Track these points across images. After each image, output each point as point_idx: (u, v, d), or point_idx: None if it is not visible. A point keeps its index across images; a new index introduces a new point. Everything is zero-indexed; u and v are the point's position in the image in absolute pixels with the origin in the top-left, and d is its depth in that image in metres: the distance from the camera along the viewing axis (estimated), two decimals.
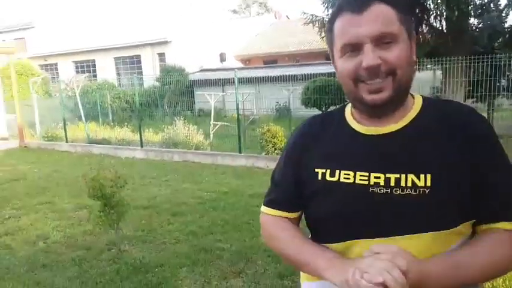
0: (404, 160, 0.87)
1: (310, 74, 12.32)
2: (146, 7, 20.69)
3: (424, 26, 7.80)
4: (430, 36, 7.87)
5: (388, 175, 0.87)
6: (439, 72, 9.04)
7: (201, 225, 4.38)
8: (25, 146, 10.92)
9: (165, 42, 19.40)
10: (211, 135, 9.04)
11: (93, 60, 21.67)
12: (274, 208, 1.04)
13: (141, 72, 19.65)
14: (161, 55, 19.91)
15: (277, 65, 18.15)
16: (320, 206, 0.95)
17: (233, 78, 8.25)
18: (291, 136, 1.08)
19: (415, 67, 0.94)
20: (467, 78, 7.44)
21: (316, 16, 8.53)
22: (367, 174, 0.89)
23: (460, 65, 7.16)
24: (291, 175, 1.01)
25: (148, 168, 7.70)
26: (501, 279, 2.71)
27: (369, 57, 0.84)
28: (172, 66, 16.75)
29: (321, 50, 17.47)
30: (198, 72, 17.68)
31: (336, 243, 0.92)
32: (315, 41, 17.71)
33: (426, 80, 9.35)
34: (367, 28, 0.84)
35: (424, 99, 0.96)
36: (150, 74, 18.41)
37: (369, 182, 0.88)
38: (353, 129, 0.96)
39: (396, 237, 0.84)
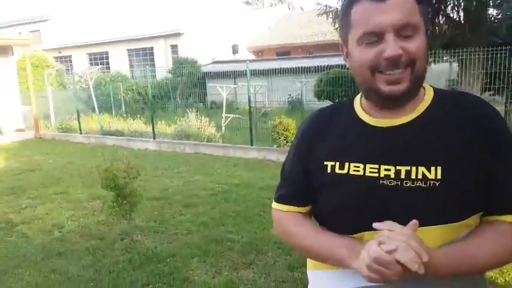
0: (415, 152, 0.86)
1: (324, 66, 12.20)
2: None
3: (440, 17, 7.62)
4: (446, 27, 7.69)
5: (398, 167, 0.86)
6: (455, 65, 8.85)
7: (213, 216, 4.40)
8: (40, 137, 11.10)
9: (178, 34, 19.42)
10: (223, 128, 9.05)
11: (107, 52, 21.84)
12: (285, 204, 1.02)
13: (154, 64, 19.74)
14: (174, 47, 19.96)
15: (290, 57, 18.01)
16: (329, 199, 0.94)
17: (245, 70, 8.23)
18: (299, 128, 1.07)
19: (429, 59, 0.92)
20: (485, 70, 7.26)
21: (330, 7, 8.41)
22: (377, 166, 0.88)
23: (477, 56, 7.00)
24: (300, 168, 1.00)
25: (160, 159, 7.77)
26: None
27: (392, 47, 0.82)
28: (184, 58, 16.78)
29: (334, 41, 17.25)
30: (210, 64, 17.68)
31: None
32: (329, 32, 17.50)
33: (442, 72, 9.18)
34: (390, 17, 0.82)
35: (436, 90, 0.94)
36: (163, 66, 18.48)
37: (379, 175, 0.87)
38: (363, 121, 0.94)
39: None
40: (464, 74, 7.36)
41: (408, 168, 0.85)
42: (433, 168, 0.84)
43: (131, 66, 21.18)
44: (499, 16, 7.33)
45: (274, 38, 21.45)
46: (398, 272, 0.75)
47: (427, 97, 0.92)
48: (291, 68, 14.03)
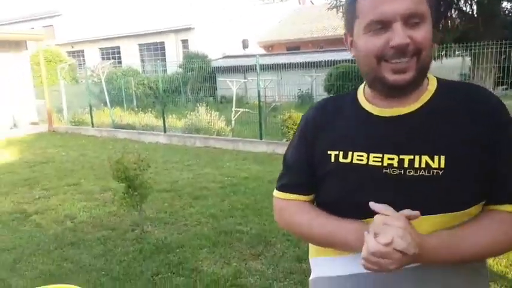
0: (418, 141, 0.87)
1: (334, 60, 12.14)
2: None
3: (453, 10, 7.52)
4: (459, 20, 7.58)
5: (402, 156, 0.86)
6: (468, 59, 8.73)
7: (222, 208, 4.45)
8: (53, 131, 11.28)
9: (189, 29, 19.45)
10: (233, 122, 9.08)
11: (118, 47, 22.00)
12: (289, 192, 1.02)
13: (165, 58, 19.83)
14: (184, 42, 20.01)
15: (300, 51, 17.94)
16: (332, 188, 0.94)
17: (255, 65, 8.23)
18: (303, 118, 1.07)
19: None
20: (498, 64, 7.15)
21: (341, 1, 8.34)
22: (380, 155, 0.88)
23: (490, 50, 6.89)
24: (304, 158, 1.00)
25: (171, 153, 7.84)
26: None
27: (400, 35, 0.82)
28: (195, 53, 16.83)
29: None
30: (220, 58, 17.70)
31: None
32: (339, 26, 17.38)
33: (454, 66, 9.05)
34: (398, 5, 0.82)
35: (439, 80, 0.95)
36: (174, 60, 18.55)
37: (382, 163, 0.88)
38: (366, 110, 0.95)
39: None
40: (476, 68, 7.26)
41: (411, 157, 0.85)
42: (436, 157, 0.84)
43: (142, 60, 21.31)
44: None
45: (285, 33, 21.36)
46: (398, 258, 0.76)
47: (430, 87, 0.92)
48: (301, 63, 13.98)
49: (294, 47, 20.37)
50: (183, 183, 5.56)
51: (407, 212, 0.80)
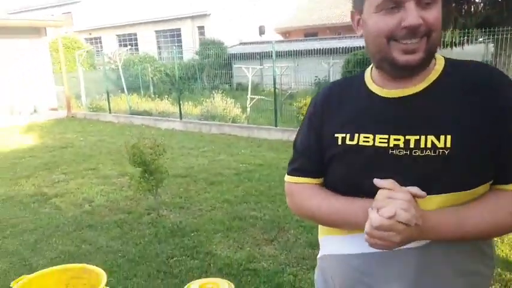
0: (424, 122, 0.86)
1: (352, 47, 11.94)
2: None
3: None
4: (482, 5, 7.34)
5: (408, 137, 0.86)
6: (491, 45, 8.47)
7: (236, 194, 4.48)
8: (72, 116, 11.49)
9: (205, 15, 19.39)
10: (248, 109, 9.08)
11: (135, 34, 22.12)
12: (299, 176, 1.03)
13: (181, 45, 19.85)
14: (201, 28, 19.96)
15: (318, 38, 17.68)
16: (339, 169, 0.95)
17: (271, 52, 8.17)
18: (311, 103, 1.08)
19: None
20: None
21: None
22: (386, 136, 0.88)
23: None
24: (313, 142, 1.01)
25: (186, 139, 7.91)
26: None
27: (413, 15, 0.81)
28: (211, 39, 16.79)
29: None
30: (237, 45, 17.62)
31: None
32: None
33: (476, 53, 8.79)
34: None
35: (447, 60, 0.93)
36: (190, 47, 18.56)
37: (388, 144, 0.88)
38: (372, 92, 0.95)
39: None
40: (499, 54, 7.04)
41: (417, 137, 0.85)
42: (442, 137, 0.84)
43: (159, 47, 21.40)
44: None
45: (302, 19, 21.07)
46: (402, 230, 0.77)
47: (437, 66, 0.91)
48: (318, 49, 13.80)
49: (311, 33, 20.09)
50: (199, 169, 5.62)
51: (415, 189, 0.80)
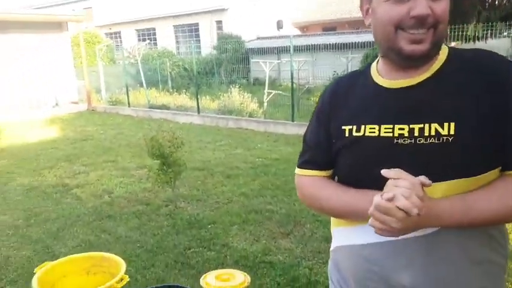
0: (428, 110, 0.88)
1: (370, 42, 11.76)
2: None
3: None
4: None
5: (412, 126, 0.88)
6: None
7: (252, 188, 4.51)
8: (92, 110, 11.71)
9: (223, 10, 19.39)
10: (265, 104, 9.08)
11: (154, 29, 22.30)
12: (310, 169, 1.06)
13: (199, 40, 19.94)
14: (219, 23, 19.99)
15: (336, 32, 17.50)
16: (347, 161, 0.98)
17: (289, 46, 8.13)
18: (321, 96, 1.10)
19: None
20: None
21: None
22: (391, 126, 0.90)
23: None
24: (323, 134, 1.04)
25: (204, 133, 7.97)
26: None
27: (422, 5, 0.83)
28: (229, 34, 16.81)
29: None
30: (254, 40, 17.59)
31: None
32: None
33: (500, 47, 8.55)
34: None
35: (450, 49, 0.94)
36: (208, 42, 18.63)
37: (393, 134, 0.89)
38: (377, 84, 0.97)
39: None
40: None
41: (421, 125, 0.87)
42: (446, 124, 0.85)
43: (177, 42, 21.53)
44: None
45: (320, 13, 20.87)
46: (401, 218, 0.77)
47: (441, 56, 0.92)
48: (336, 44, 13.66)
49: (329, 27, 19.91)
50: (216, 162, 5.66)
51: (421, 178, 0.81)
